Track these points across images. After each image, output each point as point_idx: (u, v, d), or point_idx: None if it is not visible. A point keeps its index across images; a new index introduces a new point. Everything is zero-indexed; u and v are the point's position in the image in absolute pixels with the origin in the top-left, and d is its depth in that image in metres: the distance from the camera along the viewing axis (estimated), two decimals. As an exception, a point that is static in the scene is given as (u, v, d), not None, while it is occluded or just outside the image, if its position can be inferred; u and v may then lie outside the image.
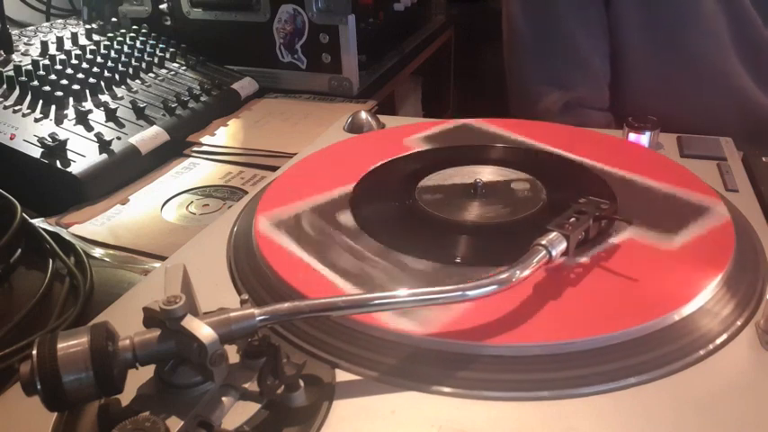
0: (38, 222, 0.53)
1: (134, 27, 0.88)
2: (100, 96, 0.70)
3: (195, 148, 0.69)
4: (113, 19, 0.89)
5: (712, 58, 0.77)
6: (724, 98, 0.78)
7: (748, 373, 0.30)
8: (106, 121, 0.66)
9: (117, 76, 0.74)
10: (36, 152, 0.58)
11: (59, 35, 0.80)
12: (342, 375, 0.31)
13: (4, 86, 0.67)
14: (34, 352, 0.25)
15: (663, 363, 0.30)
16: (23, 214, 0.50)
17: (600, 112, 0.83)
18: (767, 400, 0.28)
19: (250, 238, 0.41)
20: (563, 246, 0.34)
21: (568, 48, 0.81)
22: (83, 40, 0.82)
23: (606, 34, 0.81)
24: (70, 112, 0.65)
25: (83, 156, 0.60)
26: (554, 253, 0.33)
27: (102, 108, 0.67)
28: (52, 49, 0.77)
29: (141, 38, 0.85)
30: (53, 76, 0.69)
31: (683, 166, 0.49)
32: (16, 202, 0.50)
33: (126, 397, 0.28)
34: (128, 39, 0.84)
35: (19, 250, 0.48)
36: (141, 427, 0.24)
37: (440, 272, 0.37)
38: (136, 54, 0.80)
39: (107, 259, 0.49)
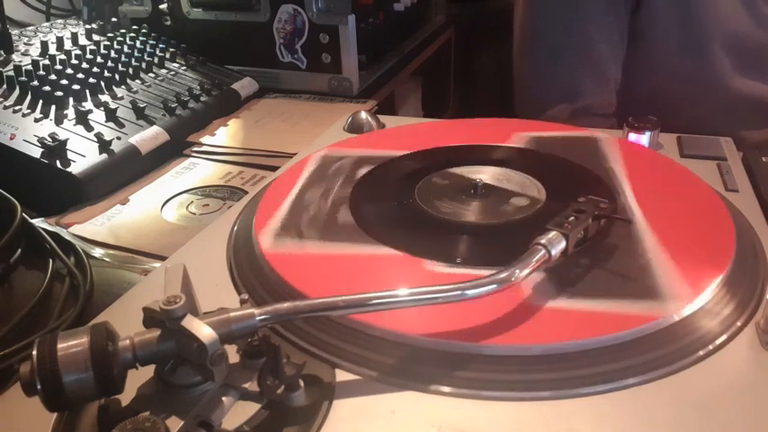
0: (38, 222, 0.53)
1: (134, 27, 0.88)
2: (100, 96, 0.70)
3: (195, 148, 0.69)
4: (113, 19, 0.89)
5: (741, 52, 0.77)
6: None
7: (748, 373, 0.30)
8: (106, 121, 0.66)
9: (117, 76, 0.74)
10: (36, 152, 0.58)
11: (59, 35, 0.80)
12: (342, 375, 0.31)
13: (4, 86, 0.67)
14: (34, 352, 0.25)
15: (663, 363, 0.30)
16: (23, 214, 0.50)
17: (605, 118, 0.83)
18: (767, 400, 0.28)
19: (250, 238, 0.41)
20: (562, 245, 0.34)
21: (586, 55, 0.80)
22: (83, 40, 0.82)
23: (624, 41, 0.80)
24: (70, 112, 0.65)
25: (83, 156, 0.60)
26: (553, 252, 0.33)
27: (102, 108, 0.67)
28: (52, 49, 0.77)
29: (141, 38, 0.85)
30: (53, 76, 0.69)
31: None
32: (16, 202, 0.50)
33: (126, 397, 0.28)
34: (128, 39, 0.84)
35: (19, 250, 0.48)
36: (141, 427, 0.24)
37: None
38: (136, 54, 0.80)
39: (107, 259, 0.49)
